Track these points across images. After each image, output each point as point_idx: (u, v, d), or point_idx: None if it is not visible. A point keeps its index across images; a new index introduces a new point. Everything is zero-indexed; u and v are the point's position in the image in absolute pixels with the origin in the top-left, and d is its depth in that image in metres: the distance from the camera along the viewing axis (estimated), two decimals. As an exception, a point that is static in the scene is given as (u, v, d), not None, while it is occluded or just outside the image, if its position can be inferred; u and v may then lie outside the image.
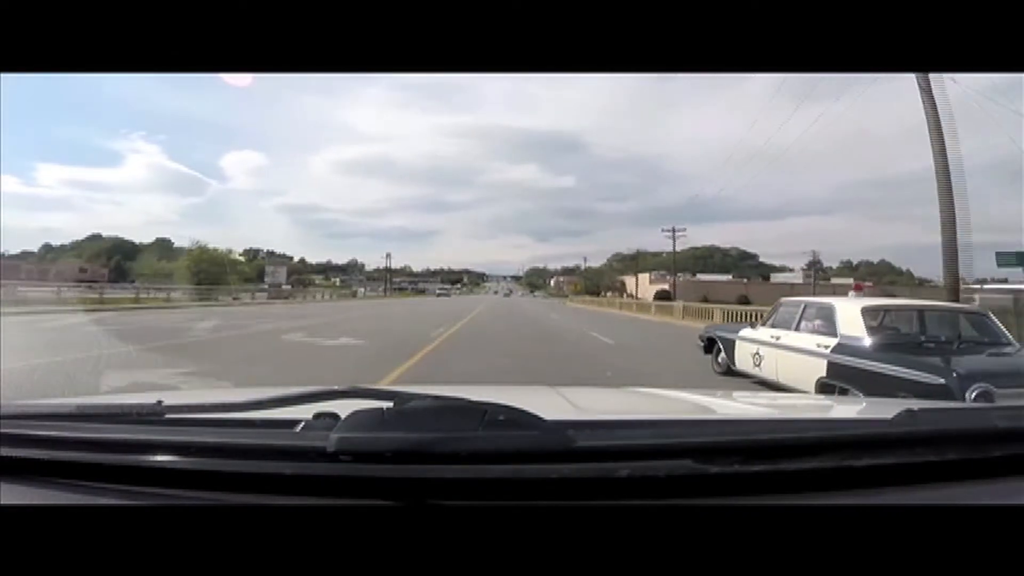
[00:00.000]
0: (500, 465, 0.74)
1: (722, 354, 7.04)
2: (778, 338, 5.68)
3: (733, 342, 6.70)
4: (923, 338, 4.93)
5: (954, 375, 3.82)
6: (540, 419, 0.78)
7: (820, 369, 4.88)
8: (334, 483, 0.74)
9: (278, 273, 56.26)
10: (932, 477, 0.81)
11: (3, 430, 0.82)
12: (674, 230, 44.06)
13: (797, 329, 5.46)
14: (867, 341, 4.58)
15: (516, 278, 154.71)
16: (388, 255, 72.47)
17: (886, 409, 0.98)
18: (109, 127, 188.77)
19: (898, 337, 4.98)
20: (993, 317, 5.07)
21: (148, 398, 0.97)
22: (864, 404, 1.90)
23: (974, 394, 3.64)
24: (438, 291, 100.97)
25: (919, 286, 53.54)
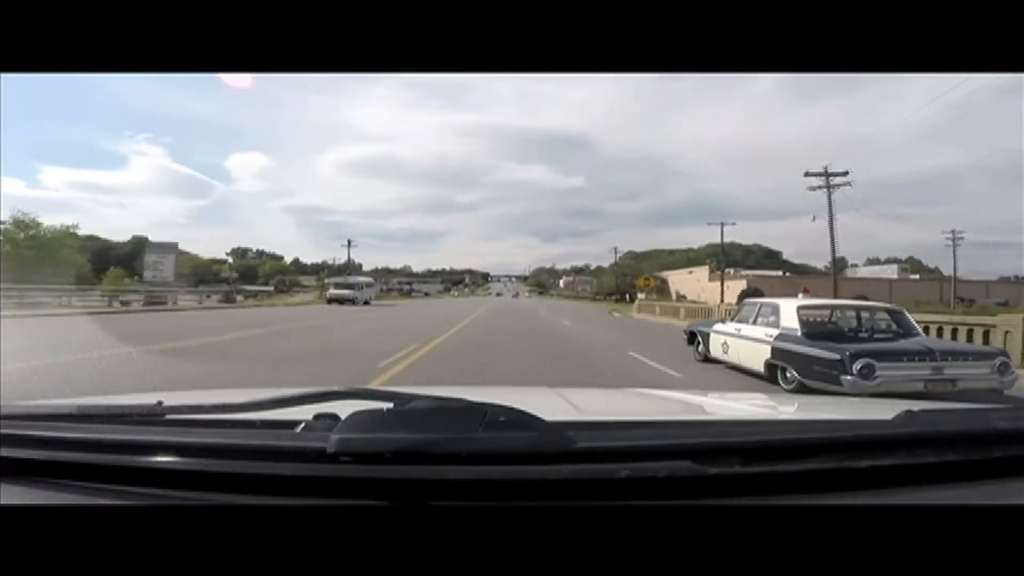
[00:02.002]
0: (500, 466, 0.74)
1: (701, 345, 8.58)
2: (740, 330, 7.24)
3: (708, 335, 8.26)
4: (844, 328, 6.88)
5: (847, 353, 5.20)
6: (540, 420, 0.78)
7: (766, 353, 6.44)
8: (334, 484, 0.74)
9: (162, 265, 40.48)
10: (932, 478, 0.81)
11: (3, 430, 0.82)
12: (722, 224, 41.17)
13: (754, 323, 7.00)
14: (800, 331, 6.12)
15: (523, 278, 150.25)
16: (349, 242, 59.82)
17: (886, 410, 0.98)
18: (114, 129, 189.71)
19: (823, 327, 6.80)
20: (907, 313, 6.63)
21: (148, 399, 0.97)
22: (864, 404, 1.90)
23: (858, 366, 5.06)
24: (413, 290, 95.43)
25: (938, 281, 52.27)
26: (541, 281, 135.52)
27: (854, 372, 5.08)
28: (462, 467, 0.73)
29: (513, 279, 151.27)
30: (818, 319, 7.14)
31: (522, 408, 0.79)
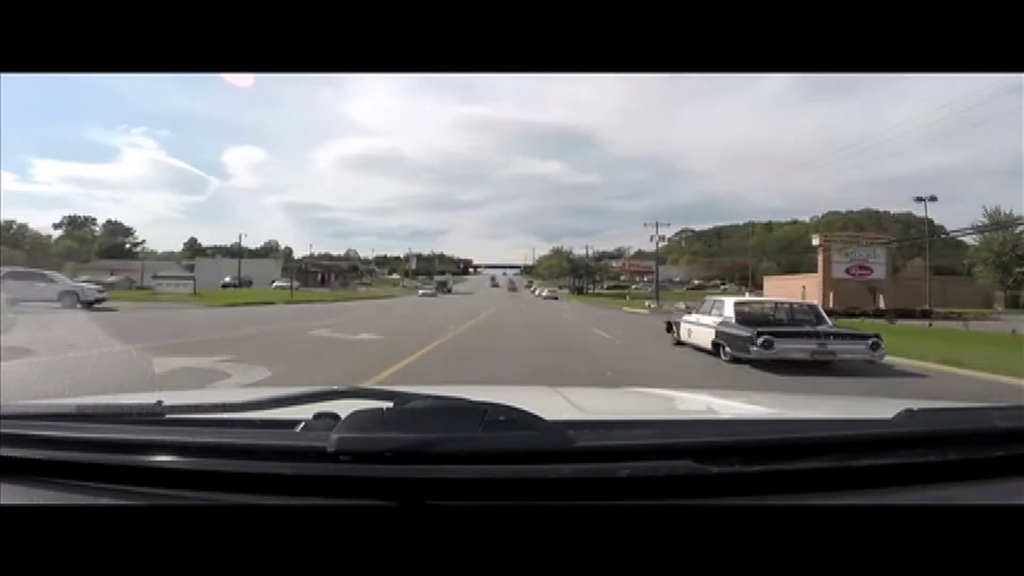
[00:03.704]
0: (500, 465, 0.74)
1: (675, 332, 11.26)
2: (698, 320, 10.02)
3: (679, 324, 10.99)
4: (767, 317, 9.79)
5: (755, 331, 7.76)
6: (540, 419, 0.78)
7: (712, 335, 9.03)
8: (334, 483, 0.74)
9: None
10: (932, 477, 0.81)
11: (3, 430, 0.82)
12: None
13: (709, 314, 9.65)
14: (734, 319, 8.80)
15: (527, 268, 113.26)
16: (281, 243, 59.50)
17: (886, 409, 0.98)
18: (108, 123, 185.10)
19: (751, 317, 9.35)
20: (819, 306, 10.14)
21: (148, 398, 0.97)
22: (864, 404, 1.90)
23: (760, 340, 7.55)
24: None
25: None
26: (551, 269, 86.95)
27: (758, 344, 7.57)
28: (462, 466, 0.73)
29: (514, 272, 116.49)
30: (748, 311, 9.63)
31: (522, 407, 0.79)
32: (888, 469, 0.80)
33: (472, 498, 0.72)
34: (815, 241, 37.95)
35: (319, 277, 66.60)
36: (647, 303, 36.31)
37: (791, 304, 10.40)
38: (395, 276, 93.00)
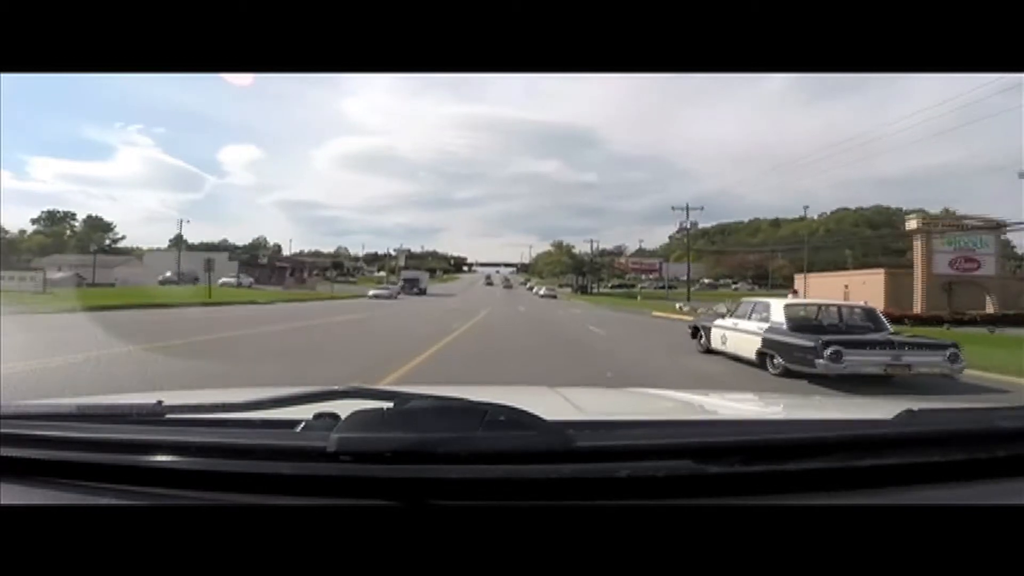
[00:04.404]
0: (500, 465, 0.74)
1: (703, 338, 9.92)
2: (736, 325, 8.61)
3: (710, 329, 9.61)
4: (821, 322, 8.29)
5: (821, 341, 6.47)
6: (540, 419, 0.78)
7: (757, 343, 7.70)
8: (334, 483, 0.74)
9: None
10: (933, 477, 0.81)
11: (3, 430, 0.82)
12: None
13: (748, 319, 8.32)
14: (785, 325, 7.42)
15: (523, 267, 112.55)
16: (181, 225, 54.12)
17: (886, 409, 0.98)
18: (104, 120, 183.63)
19: (804, 322, 7.97)
20: (878, 311, 8.42)
21: (148, 398, 0.97)
22: (864, 404, 1.90)
23: (828, 352, 6.31)
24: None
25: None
26: (553, 265, 79.34)
27: (825, 357, 6.32)
28: (462, 466, 0.73)
29: (511, 270, 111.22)
30: (802, 315, 8.33)
31: (522, 407, 0.79)
32: (889, 469, 0.80)
33: (472, 498, 0.72)
34: (911, 224, 29.42)
35: (290, 273, 60.28)
36: (678, 305, 28.70)
37: (845, 308, 8.85)
38: (381, 273, 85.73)
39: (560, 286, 68.58)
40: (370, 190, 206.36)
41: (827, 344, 6.38)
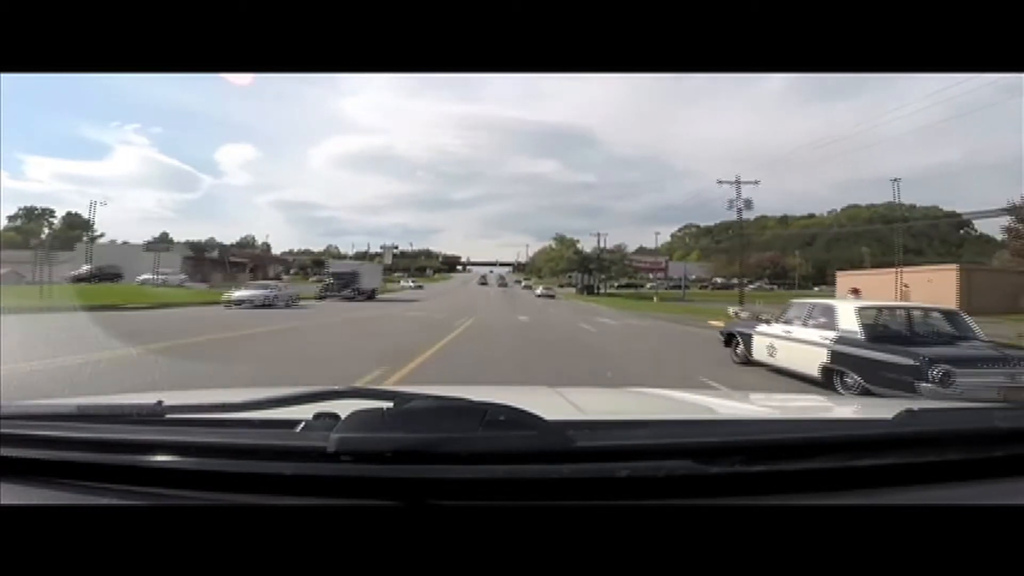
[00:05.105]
0: (500, 465, 0.74)
1: (740, 347, 8.25)
2: (789, 332, 6.90)
3: (751, 336, 7.92)
4: (904, 331, 6.42)
5: (925, 358, 4.94)
6: (540, 419, 0.78)
7: (822, 357, 6.09)
8: (334, 483, 0.74)
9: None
10: (933, 477, 0.81)
11: (3, 430, 0.82)
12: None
13: (805, 325, 6.68)
14: (861, 334, 5.82)
15: (519, 266, 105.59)
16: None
17: (886, 409, 0.98)
18: (101, 119, 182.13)
19: (884, 330, 6.29)
20: (964, 314, 6.37)
21: (148, 398, 0.97)
22: (864, 404, 1.90)
23: (936, 372, 4.76)
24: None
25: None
26: (555, 262, 67.33)
27: (933, 379, 4.72)
28: (462, 466, 0.73)
29: (493, 270, 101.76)
30: (881, 322, 6.63)
31: (522, 407, 0.79)
32: (889, 469, 0.80)
33: (472, 498, 0.73)
34: (1000, 222, 25.51)
35: (250, 270, 52.20)
36: (732, 310, 20.32)
37: (919, 311, 6.99)
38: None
39: (561, 285, 62.39)
40: (367, 190, 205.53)
41: (932, 362, 4.81)
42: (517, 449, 0.75)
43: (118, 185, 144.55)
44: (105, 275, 36.25)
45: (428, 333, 12.05)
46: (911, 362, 4.99)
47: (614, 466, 0.75)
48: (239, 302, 21.20)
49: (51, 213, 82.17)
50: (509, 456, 0.75)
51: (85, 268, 37.89)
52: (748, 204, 35.87)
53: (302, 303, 24.67)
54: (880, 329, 6.21)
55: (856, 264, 46.19)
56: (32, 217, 79.86)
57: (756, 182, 35.94)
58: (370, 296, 32.37)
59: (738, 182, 34.88)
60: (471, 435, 0.75)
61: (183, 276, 39.90)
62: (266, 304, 21.36)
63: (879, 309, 6.95)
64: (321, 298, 29.53)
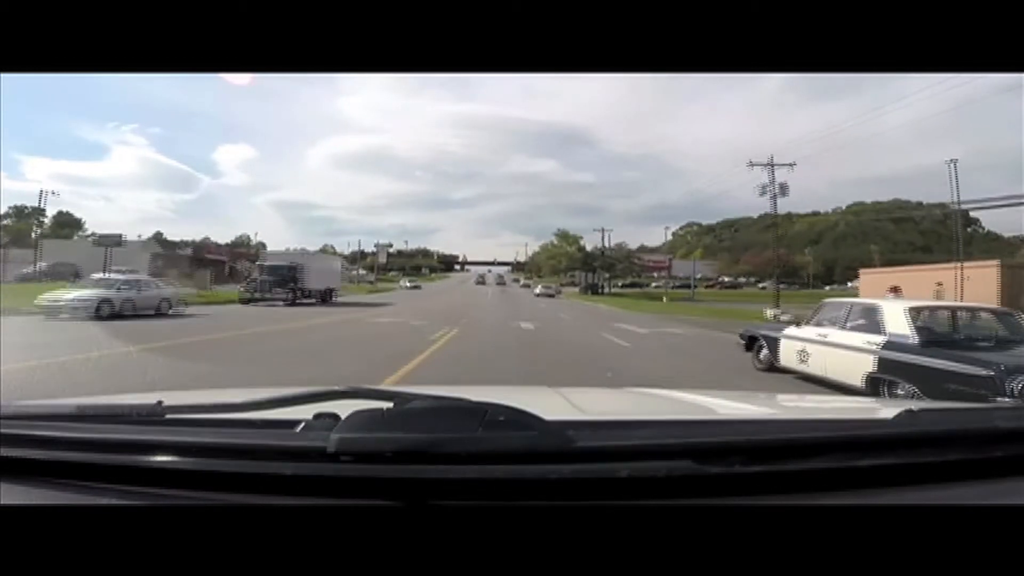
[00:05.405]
0: (500, 465, 0.74)
1: (764, 351, 7.41)
2: (825, 336, 6.11)
3: (777, 340, 7.08)
4: (961, 335, 5.61)
5: (1001, 368, 4.22)
6: (540, 420, 0.78)
7: (868, 364, 5.34)
8: (334, 483, 0.74)
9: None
10: (934, 477, 0.81)
11: (3, 430, 0.82)
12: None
13: (844, 328, 5.90)
14: (914, 338, 5.05)
15: (518, 265, 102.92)
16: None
17: (887, 409, 0.98)
18: (99, 120, 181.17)
19: (940, 334, 5.46)
20: (1020, 316, 5.66)
21: (148, 398, 0.97)
22: (864, 404, 1.90)
23: (1019, 385, 4.06)
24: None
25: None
26: (556, 261, 63.44)
27: (1012, 392, 4.05)
28: (462, 466, 0.73)
29: (491, 269, 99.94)
30: (934, 324, 5.89)
31: (522, 407, 0.79)
32: (889, 469, 0.80)
33: (472, 498, 0.72)
34: None
35: (228, 270, 45.24)
36: (771, 313, 19.93)
37: (966, 312, 6.45)
38: (361, 272, 74.65)
39: (563, 284, 57.19)
40: (366, 190, 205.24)
41: (1011, 373, 4.15)
42: (517, 449, 0.75)
43: (116, 185, 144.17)
44: (58, 274, 30.56)
45: (388, 354, 8.39)
46: (983, 372, 4.28)
47: (614, 466, 0.75)
48: (56, 309, 12.87)
49: (42, 212, 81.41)
50: (509, 456, 0.75)
51: (32, 267, 33.24)
52: (783, 190, 30.87)
53: (205, 309, 17.50)
54: (934, 334, 5.40)
55: (866, 262, 44.98)
56: (22, 216, 79.11)
57: (792, 164, 30.80)
58: (324, 298, 24.25)
59: (771, 164, 29.59)
60: (471, 435, 0.74)
61: (143, 276, 32.34)
62: (116, 313, 13.35)
63: (930, 310, 6.11)
64: (245, 301, 20.85)
